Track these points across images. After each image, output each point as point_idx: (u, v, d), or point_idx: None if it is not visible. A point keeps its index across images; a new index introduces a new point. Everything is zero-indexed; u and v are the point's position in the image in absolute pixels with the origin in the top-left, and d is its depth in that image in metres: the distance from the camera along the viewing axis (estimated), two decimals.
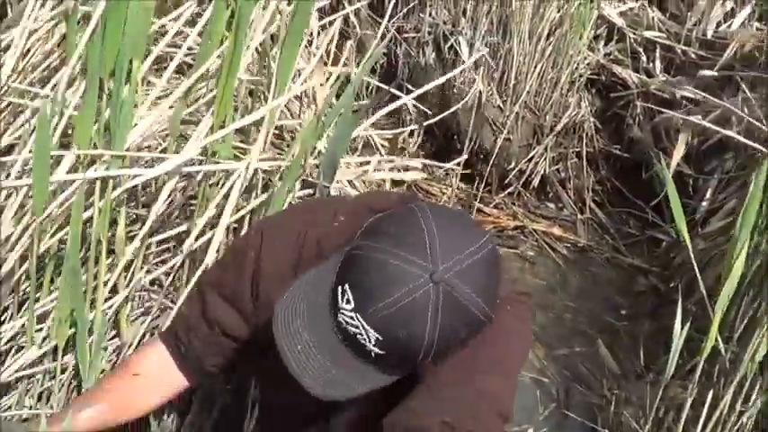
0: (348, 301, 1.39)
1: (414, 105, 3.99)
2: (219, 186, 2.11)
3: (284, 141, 2.56)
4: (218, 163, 2.07)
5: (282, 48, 2.08)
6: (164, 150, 2.10)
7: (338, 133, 2.12)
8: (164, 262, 2.23)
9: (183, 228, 2.19)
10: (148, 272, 2.20)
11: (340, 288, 1.41)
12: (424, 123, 3.33)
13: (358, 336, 1.39)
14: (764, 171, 2.09)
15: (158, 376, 1.84)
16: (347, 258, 1.44)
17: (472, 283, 1.39)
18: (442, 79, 3.03)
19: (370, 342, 1.39)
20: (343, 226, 1.65)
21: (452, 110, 3.47)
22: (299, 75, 2.48)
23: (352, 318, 1.39)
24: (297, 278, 1.51)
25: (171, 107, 2.07)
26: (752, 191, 2.11)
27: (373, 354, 1.40)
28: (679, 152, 2.67)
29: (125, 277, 2.13)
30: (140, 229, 2.09)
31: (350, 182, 2.94)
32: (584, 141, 3.99)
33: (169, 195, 2.11)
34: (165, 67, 2.19)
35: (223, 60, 1.98)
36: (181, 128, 2.14)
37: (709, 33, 3.78)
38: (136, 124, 2.01)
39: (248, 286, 1.72)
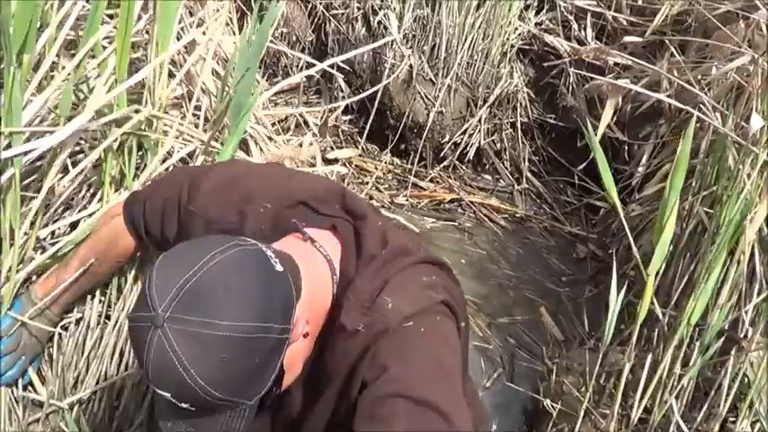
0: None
1: (346, 82, 3.96)
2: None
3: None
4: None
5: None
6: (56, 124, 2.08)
7: (241, 86, 2.14)
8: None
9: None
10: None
11: None
12: (354, 98, 3.30)
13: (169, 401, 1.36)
14: (691, 133, 2.08)
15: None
16: None
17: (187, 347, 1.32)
18: (364, 48, 3.00)
19: (172, 400, 1.36)
20: (266, 214, 1.69)
21: (383, 84, 3.45)
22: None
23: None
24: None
25: (64, 80, 2.06)
26: (679, 153, 2.10)
27: (185, 407, 1.36)
28: (606, 117, 2.65)
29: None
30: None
31: (283, 160, 2.91)
32: (519, 111, 3.98)
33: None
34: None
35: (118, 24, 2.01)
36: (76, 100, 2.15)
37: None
38: (30, 101, 2.01)
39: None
